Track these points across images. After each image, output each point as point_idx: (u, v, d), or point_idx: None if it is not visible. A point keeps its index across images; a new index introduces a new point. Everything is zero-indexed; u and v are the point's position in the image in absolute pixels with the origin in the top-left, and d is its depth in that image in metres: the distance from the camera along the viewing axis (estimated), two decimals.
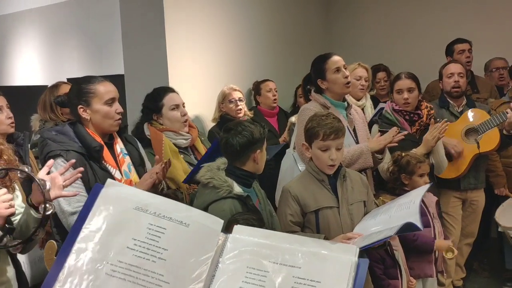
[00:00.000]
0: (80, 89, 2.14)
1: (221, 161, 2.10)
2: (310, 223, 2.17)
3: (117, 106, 2.14)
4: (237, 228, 1.41)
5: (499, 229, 3.26)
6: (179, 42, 3.72)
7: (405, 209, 1.90)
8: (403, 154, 2.72)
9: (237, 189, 1.99)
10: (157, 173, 2.13)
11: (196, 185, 2.45)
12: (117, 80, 5.31)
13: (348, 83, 2.69)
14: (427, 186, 2.13)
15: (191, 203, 2.35)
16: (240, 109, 3.59)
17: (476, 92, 3.93)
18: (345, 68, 2.71)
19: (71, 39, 6.97)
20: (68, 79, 6.52)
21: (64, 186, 1.76)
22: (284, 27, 4.76)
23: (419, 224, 1.72)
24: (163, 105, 2.57)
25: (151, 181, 2.13)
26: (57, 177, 1.75)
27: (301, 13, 4.98)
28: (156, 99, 2.59)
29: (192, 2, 3.82)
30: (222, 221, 1.40)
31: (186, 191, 2.43)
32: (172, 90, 2.65)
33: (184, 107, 2.63)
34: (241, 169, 2.05)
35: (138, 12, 3.74)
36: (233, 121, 2.22)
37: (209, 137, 3.59)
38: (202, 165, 2.13)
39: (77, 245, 1.28)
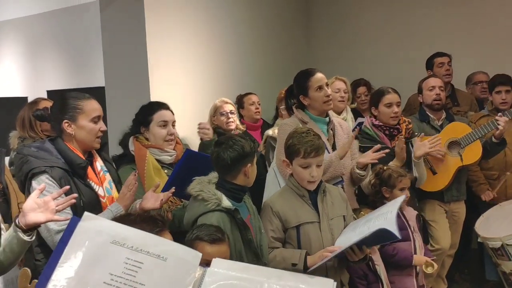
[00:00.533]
0: (66, 104, 2.14)
1: (213, 175, 2.11)
2: (291, 239, 2.18)
3: (101, 125, 2.17)
4: (215, 261, 1.42)
5: (479, 240, 3.28)
6: (161, 55, 3.71)
7: (382, 219, 1.93)
8: (385, 167, 2.74)
9: (226, 202, 1.99)
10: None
11: (177, 201, 2.45)
12: (98, 93, 5.28)
13: (329, 101, 2.74)
14: (403, 197, 2.18)
15: (173, 221, 2.36)
16: (232, 122, 3.60)
17: (457, 105, 3.98)
18: (327, 86, 2.75)
19: (50, 50, 6.91)
20: (48, 91, 6.45)
21: (57, 211, 1.74)
22: (266, 41, 4.78)
23: (396, 232, 1.73)
24: (152, 120, 2.55)
25: (130, 194, 2.13)
26: (50, 201, 1.72)
27: (282, 28, 5.02)
28: (147, 113, 2.58)
29: (174, 15, 3.82)
30: (200, 254, 1.39)
31: (167, 208, 2.40)
32: (166, 107, 2.63)
33: (174, 125, 2.61)
34: (231, 182, 2.05)
35: (119, 24, 3.73)
36: (224, 135, 2.22)
37: (200, 150, 3.57)
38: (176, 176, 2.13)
39: (53, 281, 1.26)
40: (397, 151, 2.92)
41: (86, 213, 1.39)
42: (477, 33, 4.57)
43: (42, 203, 1.69)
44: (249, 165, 2.05)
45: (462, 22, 4.63)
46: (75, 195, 1.85)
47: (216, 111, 3.64)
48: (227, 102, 3.66)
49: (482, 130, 3.21)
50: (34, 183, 2.00)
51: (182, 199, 2.43)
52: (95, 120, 2.13)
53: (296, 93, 2.78)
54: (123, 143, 2.60)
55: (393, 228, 1.77)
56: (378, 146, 2.74)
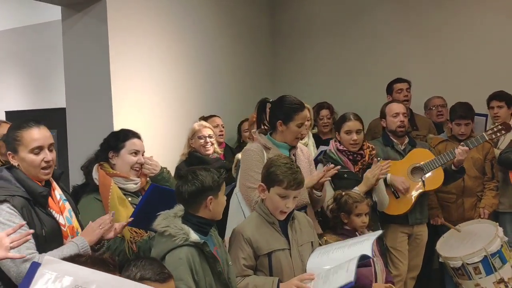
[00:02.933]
0: (9, 134, 2.06)
1: (179, 208, 2.07)
2: (263, 266, 2.17)
3: (45, 155, 2.02)
4: None
5: (440, 260, 3.36)
6: (124, 76, 3.67)
7: (357, 249, 1.98)
8: (343, 193, 2.77)
9: (194, 236, 1.96)
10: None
11: (143, 232, 2.41)
12: (58, 114, 5.16)
13: (300, 138, 2.79)
14: (379, 232, 2.25)
15: (138, 253, 2.33)
16: (210, 146, 3.60)
17: (416, 129, 4.10)
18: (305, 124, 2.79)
19: (10, 69, 6.71)
20: (7, 112, 6.25)
21: (11, 248, 1.68)
22: (230, 64, 4.79)
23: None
24: (123, 146, 2.52)
25: (100, 232, 2.07)
26: (4, 238, 1.67)
27: (247, 51, 5.06)
28: (120, 138, 2.54)
29: (137, 35, 3.80)
30: None
31: (132, 240, 2.36)
32: (138, 137, 2.61)
33: (143, 155, 2.59)
34: (196, 216, 2.02)
35: (82, 44, 3.68)
36: (187, 169, 2.18)
37: (175, 174, 3.52)
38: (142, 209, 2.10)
39: None
40: (367, 176, 2.96)
41: (46, 257, 1.33)
42: (434, 59, 4.75)
43: None
44: (210, 198, 2.00)
45: (421, 49, 4.80)
46: (31, 231, 1.78)
47: (194, 134, 3.64)
48: (205, 126, 3.66)
49: (444, 158, 3.31)
50: None
51: (148, 231, 2.40)
52: (35, 151, 2.00)
53: (276, 116, 2.76)
54: (87, 169, 2.54)
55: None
56: (331, 166, 2.78)
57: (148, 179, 2.66)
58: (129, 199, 2.48)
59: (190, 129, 3.70)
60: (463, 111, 3.65)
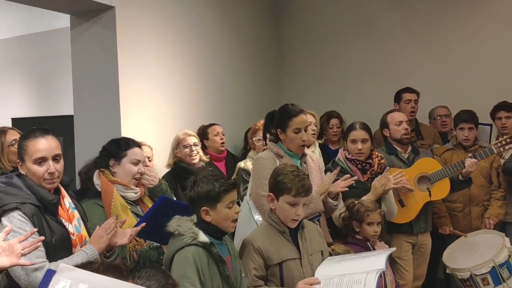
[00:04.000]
0: (19, 143, 2.07)
1: (195, 216, 2.08)
2: (273, 276, 2.17)
3: (48, 166, 2.00)
4: None
5: (447, 271, 3.34)
6: (132, 85, 3.69)
7: (369, 262, 2.00)
8: (356, 201, 2.77)
9: (203, 237, 1.97)
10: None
11: (142, 242, 2.41)
12: (66, 121, 5.17)
13: (303, 145, 2.76)
14: (392, 249, 2.27)
15: (138, 261, 2.33)
16: (195, 155, 3.56)
17: (421, 138, 4.10)
18: (306, 130, 2.77)
19: (17, 76, 6.75)
20: (13, 119, 6.27)
21: (22, 255, 1.68)
22: (236, 72, 4.82)
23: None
24: (125, 155, 2.50)
25: (107, 238, 2.07)
26: (16, 244, 1.67)
27: (253, 60, 5.08)
28: (122, 147, 2.53)
29: (146, 44, 3.83)
30: None
31: (132, 248, 2.35)
32: (139, 146, 2.61)
33: (144, 165, 2.59)
34: (205, 221, 2.03)
35: (91, 52, 3.70)
36: (201, 174, 2.16)
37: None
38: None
39: None
40: (375, 186, 2.97)
41: (61, 265, 1.33)
42: (439, 69, 4.76)
43: (7, 246, 1.64)
44: (204, 209, 2.00)
45: (426, 59, 4.81)
46: (42, 238, 1.79)
47: (179, 144, 3.58)
48: (190, 135, 3.61)
49: (452, 169, 3.32)
50: (4, 220, 1.89)
51: (148, 240, 2.41)
52: (38, 162, 1.98)
53: (276, 125, 2.79)
54: (86, 174, 2.53)
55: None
56: (348, 176, 2.81)
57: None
58: (129, 207, 2.47)
59: (174, 138, 3.64)
60: (466, 115, 3.68)
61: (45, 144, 2.00)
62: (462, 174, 3.34)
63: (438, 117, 4.36)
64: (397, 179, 3.03)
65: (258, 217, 2.64)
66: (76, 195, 2.45)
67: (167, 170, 3.63)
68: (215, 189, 1.99)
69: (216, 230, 2.03)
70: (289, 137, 2.72)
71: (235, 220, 2.05)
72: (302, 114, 2.74)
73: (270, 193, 2.26)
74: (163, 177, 3.51)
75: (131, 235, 2.15)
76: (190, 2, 4.27)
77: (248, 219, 2.68)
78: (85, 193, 2.49)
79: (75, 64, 3.79)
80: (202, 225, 2.02)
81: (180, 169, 3.54)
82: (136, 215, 2.47)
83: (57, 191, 2.11)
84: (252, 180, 2.74)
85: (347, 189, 2.77)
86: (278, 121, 2.77)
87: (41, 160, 1.99)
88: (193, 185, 2.03)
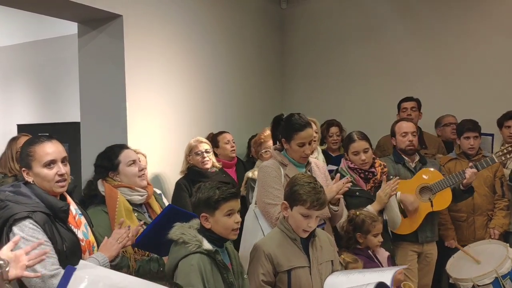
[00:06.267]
0: (22, 151, 2.08)
1: (195, 222, 2.10)
2: (282, 283, 2.17)
3: (59, 168, 2.04)
4: None
5: (450, 281, 3.35)
6: (139, 93, 3.72)
7: (377, 276, 2.02)
8: (358, 212, 2.77)
9: (207, 245, 1.99)
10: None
11: (144, 252, 2.40)
12: (72, 128, 5.19)
13: (306, 157, 2.75)
14: (403, 267, 2.32)
15: (138, 271, 2.32)
16: (207, 161, 3.60)
17: (424, 148, 4.11)
18: (310, 143, 2.77)
19: (23, 82, 6.78)
20: (18, 125, 6.31)
21: (27, 266, 1.69)
22: (242, 81, 4.87)
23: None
24: (119, 162, 2.51)
25: (119, 246, 2.10)
26: (22, 255, 1.68)
27: (258, 69, 5.13)
28: (111, 157, 2.53)
29: (153, 52, 3.86)
30: None
31: (132, 257, 2.35)
32: (126, 147, 2.61)
33: (140, 161, 2.60)
34: (207, 229, 2.04)
35: (97, 61, 3.73)
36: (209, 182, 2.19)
37: (176, 189, 3.55)
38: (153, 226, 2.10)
39: None
40: (380, 195, 2.98)
41: (81, 262, 1.36)
42: (444, 78, 4.79)
43: (14, 257, 1.64)
44: (204, 215, 2.02)
45: (431, 68, 4.85)
46: (47, 249, 1.80)
47: (191, 151, 3.64)
48: (202, 142, 3.66)
49: (453, 179, 3.33)
50: (16, 229, 1.89)
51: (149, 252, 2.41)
52: (48, 165, 2.02)
53: (281, 134, 2.79)
54: (89, 189, 2.53)
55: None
56: (338, 177, 2.80)
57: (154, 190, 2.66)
58: (136, 214, 2.47)
59: (186, 146, 3.69)
60: (470, 124, 3.71)
61: (53, 147, 2.04)
62: (462, 184, 3.35)
63: (449, 124, 4.37)
64: (393, 186, 3.00)
65: (264, 225, 2.64)
66: (84, 201, 2.49)
67: (180, 176, 3.67)
68: (214, 196, 2.00)
69: (218, 237, 2.04)
70: (292, 149, 2.72)
71: (236, 229, 2.06)
72: (308, 128, 2.71)
73: (285, 201, 2.27)
74: (177, 183, 3.59)
75: (133, 235, 2.18)
76: (197, 12, 4.31)
77: (254, 227, 2.68)
78: (93, 199, 2.50)
79: (82, 72, 3.82)
80: (205, 232, 2.04)
81: (194, 173, 3.58)
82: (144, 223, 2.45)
83: (63, 198, 2.13)
84: (258, 188, 2.75)
85: (347, 188, 2.76)
86: (284, 130, 2.76)
87: (50, 163, 2.02)
88: (197, 191, 2.05)
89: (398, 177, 3.12)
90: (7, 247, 1.67)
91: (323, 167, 3.01)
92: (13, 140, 3.12)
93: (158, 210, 2.59)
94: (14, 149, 3.16)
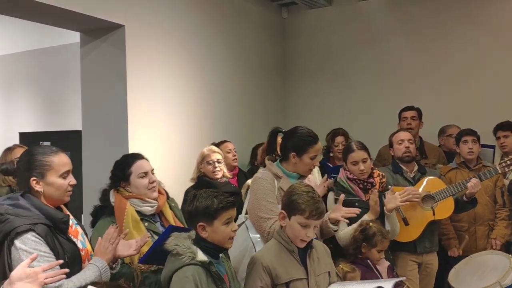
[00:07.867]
0: (33, 160, 2.06)
1: (193, 232, 2.10)
2: None
3: (70, 178, 2.10)
4: None
5: None
6: (140, 103, 3.74)
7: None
8: (371, 224, 2.78)
9: (201, 256, 1.98)
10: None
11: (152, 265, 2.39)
12: (74, 136, 5.21)
13: (311, 170, 2.78)
14: (402, 278, 2.29)
15: (143, 282, 2.32)
16: (218, 171, 3.62)
17: (425, 157, 4.11)
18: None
19: (25, 91, 6.81)
20: (21, 133, 6.32)
21: (45, 283, 1.71)
22: (243, 91, 4.89)
23: None
24: (131, 173, 2.52)
25: (112, 248, 2.10)
26: (39, 273, 1.69)
27: (259, 80, 5.16)
28: (124, 167, 2.54)
29: (155, 61, 3.89)
30: None
31: (138, 268, 2.34)
32: (141, 157, 2.60)
33: (153, 173, 2.60)
34: (203, 239, 2.04)
35: (100, 71, 3.76)
36: (203, 190, 2.18)
37: (185, 197, 3.53)
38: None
39: None
40: (371, 204, 2.98)
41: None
42: (445, 89, 4.81)
43: (32, 274, 1.65)
44: (201, 225, 2.01)
45: (431, 79, 4.87)
46: (67, 270, 1.83)
47: (203, 160, 3.67)
48: (214, 151, 3.69)
49: (456, 188, 3.32)
50: (18, 243, 1.88)
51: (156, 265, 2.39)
52: (64, 175, 2.06)
53: (290, 148, 2.72)
54: (103, 199, 2.55)
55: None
56: (342, 199, 2.78)
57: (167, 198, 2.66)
58: (146, 224, 2.47)
59: (199, 154, 3.72)
60: (468, 130, 3.74)
61: (67, 158, 2.11)
62: (466, 195, 3.34)
63: (453, 135, 4.37)
64: (404, 197, 3.01)
65: (254, 235, 2.61)
66: (97, 210, 2.52)
67: (190, 183, 3.69)
68: (213, 205, 1.99)
69: (213, 247, 2.03)
70: (304, 162, 2.69)
71: (232, 238, 2.06)
72: (318, 140, 2.75)
73: (283, 211, 2.26)
74: (186, 191, 3.59)
75: (140, 246, 2.18)
76: (199, 23, 4.34)
77: (244, 238, 2.62)
78: (105, 210, 2.51)
79: (84, 81, 3.84)
80: (199, 242, 2.03)
81: (203, 182, 3.60)
82: (154, 232, 2.46)
83: (58, 208, 2.13)
84: (250, 199, 2.71)
85: (347, 221, 2.74)
86: (295, 144, 2.70)
87: (66, 174, 2.07)
88: (193, 200, 2.04)
89: (392, 186, 3.13)
90: (25, 263, 1.68)
91: (313, 180, 3.01)
92: (8, 150, 3.10)
93: (171, 218, 2.59)
94: (9, 159, 3.12)
